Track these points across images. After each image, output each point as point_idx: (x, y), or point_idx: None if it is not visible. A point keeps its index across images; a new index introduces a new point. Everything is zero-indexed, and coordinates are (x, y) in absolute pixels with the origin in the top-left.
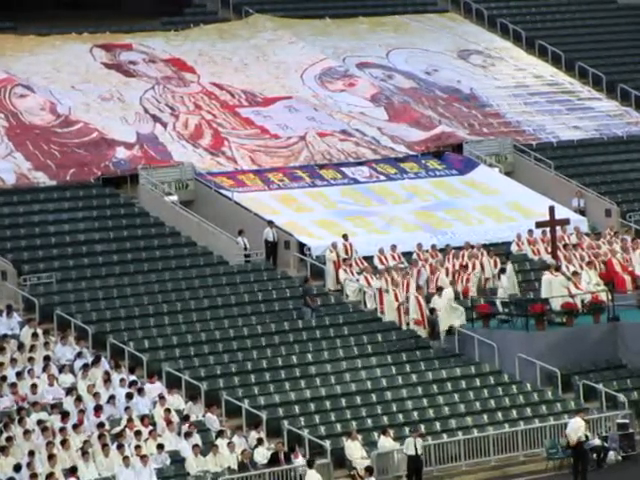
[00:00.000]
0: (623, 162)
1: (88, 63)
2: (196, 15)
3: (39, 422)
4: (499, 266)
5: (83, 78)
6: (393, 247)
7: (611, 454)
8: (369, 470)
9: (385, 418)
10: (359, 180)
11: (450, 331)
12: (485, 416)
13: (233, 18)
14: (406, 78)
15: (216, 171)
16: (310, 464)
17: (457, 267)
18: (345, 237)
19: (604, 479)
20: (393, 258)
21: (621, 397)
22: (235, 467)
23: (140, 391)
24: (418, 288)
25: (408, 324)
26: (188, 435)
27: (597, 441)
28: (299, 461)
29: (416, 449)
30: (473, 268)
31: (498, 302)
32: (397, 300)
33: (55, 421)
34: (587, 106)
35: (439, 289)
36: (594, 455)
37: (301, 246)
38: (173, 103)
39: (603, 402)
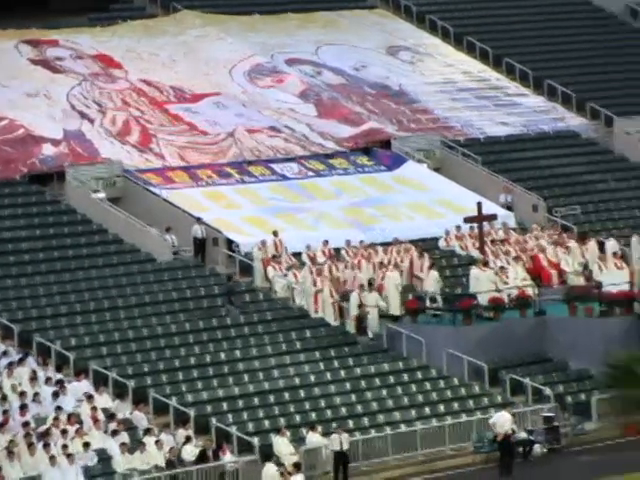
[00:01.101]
0: (550, 158)
1: (14, 59)
2: (123, 11)
3: None
4: (427, 261)
5: (9, 74)
6: (325, 242)
7: (537, 447)
8: (297, 466)
9: (313, 414)
10: (288, 176)
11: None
12: (413, 411)
13: (161, 14)
14: (335, 74)
15: (144, 168)
16: (267, 458)
17: (389, 262)
18: (275, 233)
19: (530, 472)
20: (324, 254)
21: (547, 391)
22: (163, 465)
23: (65, 389)
24: (360, 286)
25: (342, 318)
26: (115, 433)
27: (523, 434)
28: (227, 458)
29: (341, 444)
30: (402, 262)
31: (427, 297)
32: (332, 297)
33: None
34: (514, 102)
35: (370, 284)
36: (520, 448)
37: (230, 243)
38: (100, 99)
39: (529, 396)
